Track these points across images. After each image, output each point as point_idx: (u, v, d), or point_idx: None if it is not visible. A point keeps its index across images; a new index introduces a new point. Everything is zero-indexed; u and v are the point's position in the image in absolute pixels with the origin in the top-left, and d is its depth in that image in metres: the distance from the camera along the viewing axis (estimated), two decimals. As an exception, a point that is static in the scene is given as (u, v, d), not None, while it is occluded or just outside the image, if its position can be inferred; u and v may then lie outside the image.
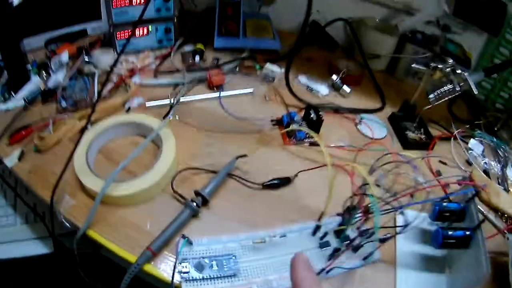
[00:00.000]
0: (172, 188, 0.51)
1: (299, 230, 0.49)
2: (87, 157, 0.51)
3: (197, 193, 0.49)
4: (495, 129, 0.84)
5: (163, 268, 0.43)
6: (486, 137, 0.77)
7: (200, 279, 0.41)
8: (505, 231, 0.57)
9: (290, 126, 0.62)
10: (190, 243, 0.44)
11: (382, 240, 0.45)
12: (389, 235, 0.44)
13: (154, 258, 0.43)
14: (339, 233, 0.49)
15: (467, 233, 0.46)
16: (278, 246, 0.46)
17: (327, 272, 0.44)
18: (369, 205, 0.42)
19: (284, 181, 0.56)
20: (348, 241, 0.45)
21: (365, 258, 0.47)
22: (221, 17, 0.78)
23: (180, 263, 0.42)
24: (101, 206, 0.46)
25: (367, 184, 0.39)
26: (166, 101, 0.64)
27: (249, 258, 0.45)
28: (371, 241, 0.44)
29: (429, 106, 0.71)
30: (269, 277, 0.43)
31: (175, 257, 0.43)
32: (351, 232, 0.46)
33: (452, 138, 0.75)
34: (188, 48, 0.80)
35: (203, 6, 0.90)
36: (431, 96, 0.70)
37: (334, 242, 0.48)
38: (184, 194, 0.50)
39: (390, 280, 0.47)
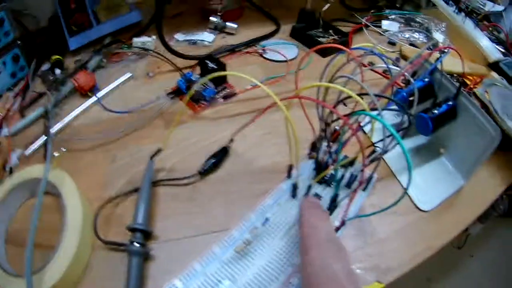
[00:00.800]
0: (100, 239, 0.37)
1: (275, 200, 0.39)
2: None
3: (131, 230, 0.37)
4: (397, 6, 0.85)
5: None
6: (397, 13, 0.78)
7: None
8: (472, 87, 0.60)
9: (192, 89, 0.51)
10: None
11: (374, 160, 0.39)
12: (380, 150, 0.37)
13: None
14: (323, 178, 0.40)
15: (450, 103, 0.44)
16: (266, 235, 0.36)
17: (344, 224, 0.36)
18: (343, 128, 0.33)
19: (222, 155, 0.45)
20: (339, 181, 0.37)
21: (365, 189, 0.42)
22: (66, 15, 0.65)
23: None
24: None
25: (344, 99, 0.29)
26: (43, 138, 0.50)
27: (244, 270, 0.33)
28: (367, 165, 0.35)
29: (327, 6, 0.67)
30: (281, 276, 0.33)
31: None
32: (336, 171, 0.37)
33: (364, 28, 0.72)
34: (45, 66, 0.65)
35: (47, 16, 0.75)
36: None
37: (321, 190, 0.40)
38: (118, 238, 0.37)
39: (398, 190, 0.44)
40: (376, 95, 0.28)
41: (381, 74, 0.61)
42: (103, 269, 0.36)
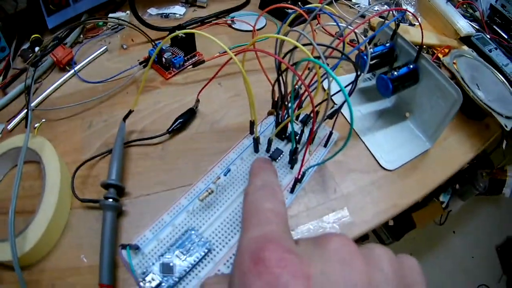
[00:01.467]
0: (77, 198, 0.38)
1: (238, 155, 0.39)
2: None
3: (105, 186, 0.38)
4: None
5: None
6: None
7: (177, 281, 0.30)
8: (438, 56, 0.61)
9: (163, 58, 0.52)
10: (136, 248, 0.32)
11: (331, 115, 0.40)
12: (336, 106, 0.38)
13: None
14: (282, 133, 0.41)
15: (411, 66, 0.45)
16: (229, 187, 0.36)
17: (301, 179, 0.37)
18: (297, 86, 0.34)
19: (189, 115, 0.46)
20: (299, 136, 0.38)
21: (325, 145, 0.42)
22: None
23: (143, 280, 0.30)
24: (27, 272, 0.34)
25: (294, 48, 0.29)
26: (24, 111, 0.50)
27: (209, 220, 0.34)
28: (325, 120, 0.35)
29: None
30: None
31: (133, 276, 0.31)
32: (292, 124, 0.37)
33: (334, 1, 0.73)
34: (25, 46, 0.65)
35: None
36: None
37: (283, 146, 0.41)
38: (95, 197, 0.38)
39: (363, 150, 0.45)
40: (322, 45, 0.29)
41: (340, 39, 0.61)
42: (81, 227, 0.38)
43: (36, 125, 0.48)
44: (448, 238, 1.40)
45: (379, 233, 1.26)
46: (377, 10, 0.71)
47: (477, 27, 0.75)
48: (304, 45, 0.28)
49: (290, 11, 0.33)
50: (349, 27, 0.33)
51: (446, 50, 0.63)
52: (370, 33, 0.65)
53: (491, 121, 0.52)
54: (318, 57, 0.28)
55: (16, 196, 0.35)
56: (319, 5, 0.34)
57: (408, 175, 0.44)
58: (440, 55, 0.62)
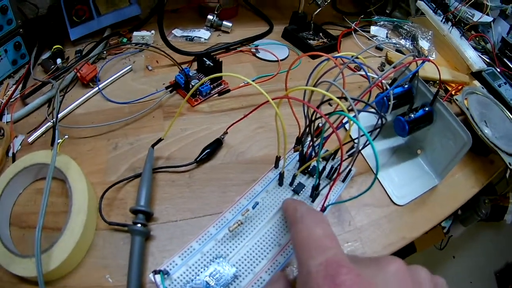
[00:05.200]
0: (105, 220, 0.39)
1: (264, 187, 0.41)
2: (2, 240, 0.37)
3: (134, 211, 0.39)
4: (387, 11, 0.86)
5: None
6: (385, 20, 0.77)
7: None
8: (453, 93, 0.63)
9: (190, 85, 0.54)
10: (166, 273, 0.33)
11: (352, 154, 0.42)
12: (359, 147, 0.40)
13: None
14: (306, 169, 0.42)
15: (427, 109, 0.46)
16: (255, 217, 0.38)
17: (323, 211, 0.39)
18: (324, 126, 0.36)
19: (216, 146, 0.47)
20: (320, 172, 0.40)
21: (343, 180, 0.44)
22: (68, 6, 0.65)
23: None
24: None
25: (327, 100, 0.31)
26: (48, 123, 0.50)
27: (236, 249, 0.36)
28: (346, 159, 0.39)
29: (318, 9, 0.68)
30: (269, 254, 0.36)
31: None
32: (318, 163, 0.39)
33: (353, 32, 0.74)
34: (46, 55, 0.65)
35: (47, 4, 0.75)
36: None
37: (305, 180, 0.42)
38: (121, 220, 0.40)
39: (376, 186, 0.47)
40: (353, 99, 0.31)
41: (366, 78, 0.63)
42: (106, 248, 0.38)
43: (59, 141, 0.47)
44: (448, 263, 1.40)
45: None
46: (395, 43, 0.73)
47: (487, 60, 0.77)
48: (340, 98, 0.29)
49: (312, 42, 0.35)
50: (372, 74, 0.35)
51: (459, 88, 0.65)
52: (387, 67, 0.67)
53: (495, 157, 0.54)
54: (350, 109, 0.29)
55: (43, 215, 0.35)
56: (351, 53, 0.35)
57: (417, 209, 0.45)
58: (453, 93, 0.64)
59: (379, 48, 0.71)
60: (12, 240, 0.40)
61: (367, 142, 0.38)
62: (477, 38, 0.84)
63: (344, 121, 0.39)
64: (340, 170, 0.33)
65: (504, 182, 1.13)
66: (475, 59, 0.71)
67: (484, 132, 0.50)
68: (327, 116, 0.30)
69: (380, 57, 0.70)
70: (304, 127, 0.38)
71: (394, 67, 0.36)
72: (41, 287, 0.32)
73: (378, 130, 0.36)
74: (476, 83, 0.69)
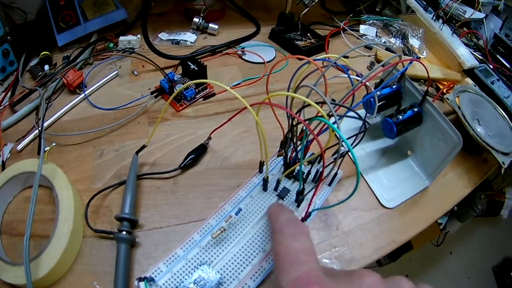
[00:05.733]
0: (91, 228, 0.39)
1: (248, 193, 0.41)
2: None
3: (119, 219, 0.39)
4: (377, 9, 0.86)
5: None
6: (375, 19, 0.76)
7: None
8: (444, 92, 0.62)
9: (174, 89, 0.53)
10: (151, 280, 0.33)
11: (340, 156, 0.40)
12: (343, 150, 0.39)
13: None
14: (289, 173, 0.42)
15: (416, 110, 0.46)
16: (239, 224, 0.38)
17: (306, 218, 0.39)
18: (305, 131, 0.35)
19: (200, 151, 0.47)
20: (306, 176, 0.39)
21: (330, 184, 0.44)
22: (55, 12, 0.65)
23: None
24: None
25: (305, 106, 0.31)
26: (36, 131, 0.50)
27: (220, 255, 0.36)
28: (330, 163, 0.37)
29: (306, 10, 0.68)
30: (254, 260, 0.35)
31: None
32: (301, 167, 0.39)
33: (342, 32, 0.73)
34: (34, 61, 0.65)
35: (35, 10, 0.75)
36: (306, -1, 0.67)
37: (290, 185, 0.42)
38: (107, 227, 0.40)
39: (365, 189, 0.46)
40: (333, 104, 0.30)
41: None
42: (93, 255, 0.38)
43: (46, 149, 0.49)
44: (445, 259, 1.40)
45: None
46: (384, 42, 0.72)
47: (480, 56, 0.76)
48: (320, 103, 0.29)
49: (299, 43, 0.34)
50: (355, 77, 0.35)
51: (451, 86, 0.65)
52: (376, 65, 0.65)
53: (489, 156, 0.53)
54: (330, 114, 0.29)
55: (30, 223, 0.36)
56: (334, 55, 0.35)
57: (408, 211, 0.45)
58: (444, 91, 0.63)
59: (368, 47, 0.71)
60: (3, 248, 0.40)
61: (353, 145, 0.38)
62: (469, 35, 0.83)
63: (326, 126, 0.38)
64: (326, 174, 0.32)
65: (500, 178, 1.13)
66: (467, 57, 0.70)
67: (477, 131, 0.50)
68: (306, 122, 0.29)
69: (369, 56, 0.70)
70: (287, 131, 0.37)
71: (383, 66, 0.35)
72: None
73: (362, 134, 0.35)
74: (468, 80, 0.68)
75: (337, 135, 0.28)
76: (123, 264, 0.36)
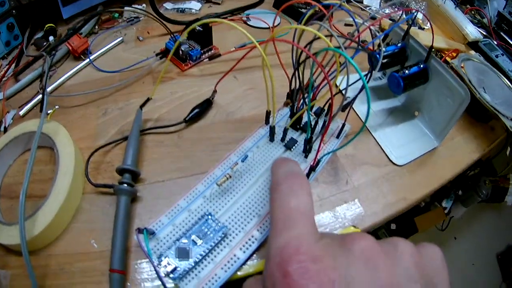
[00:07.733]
0: (91, 182, 0.38)
1: (254, 143, 0.40)
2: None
3: (120, 171, 0.37)
4: None
5: (144, 278, 0.32)
6: None
7: (193, 265, 0.30)
8: (446, 59, 0.60)
9: (180, 50, 0.53)
10: (151, 233, 0.32)
11: (344, 108, 0.40)
12: (349, 99, 0.39)
13: (127, 276, 0.32)
14: (296, 124, 0.42)
15: (422, 66, 0.45)
16: (246, 173, 0.37)
17: (315, 167, 0.38)
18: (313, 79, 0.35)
19: (205, 105, 0.47)
20: (310, 124, 0.38)
21: (338, 136, 0.43)
22: None
23: (159, 264, 0.30)
24: (34, 257, 0.33)
25: (314, 39, 0.30)
26: (39, 96, 0.50)
27: (226, 206, 0.34)
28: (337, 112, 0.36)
29: None
30: (261, 211, 0.34)
31: (148, 260, 0.32)
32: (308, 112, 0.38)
33: (346, 3, 0.73)
34: (39, 35, 0.65)
35: None
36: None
37: (297, 136, 0.41)
38: (108, 181, 0.39)
39: (373, 145, 0.46)
40: (341, 37, 0.30)
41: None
42: (92, 212, 0.37)
43: (49, 111, 0.48)
44: (450, 244, 1.40)
45: (381, 236, 1.26)
46: (388, 12, 0.72)
47: (484, 33, 0.76)
48: (324, 36, 0.29)
49: (304, 11, 0.34)
50: (365, 23, 0.34)
51: (454, 54, 0.64)
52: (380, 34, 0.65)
53: (496, 124, 0.53)
54: (338, 47, 0.29)
55: (28, 179, 0.34)
56: (338, 1, 0.35)
57: (417, 170, 0.44)
58: (448, 58, 0.62)
59: (373, 18, 0.70)
60: (1, 211, 0.39)
61: (359, 92, 0.38)
62: (473, 12, 0.83)
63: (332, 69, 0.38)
64: (333, 116, 0.32)
65: (504, 161, 1.12)
66: (471, 29, 0.70)
67: (484, 97, 0.49)
68: (313, 55, 0.29)
69: (373, 25, 0.69)
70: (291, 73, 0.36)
71: (373, 18, 0.35)
72: (25, 254, 0.30)
73: (369, 75, 0.35)
74: (473, 52, 0.68)
75: (347, 62, 0.27)
76: (123, 218, 0.35)
